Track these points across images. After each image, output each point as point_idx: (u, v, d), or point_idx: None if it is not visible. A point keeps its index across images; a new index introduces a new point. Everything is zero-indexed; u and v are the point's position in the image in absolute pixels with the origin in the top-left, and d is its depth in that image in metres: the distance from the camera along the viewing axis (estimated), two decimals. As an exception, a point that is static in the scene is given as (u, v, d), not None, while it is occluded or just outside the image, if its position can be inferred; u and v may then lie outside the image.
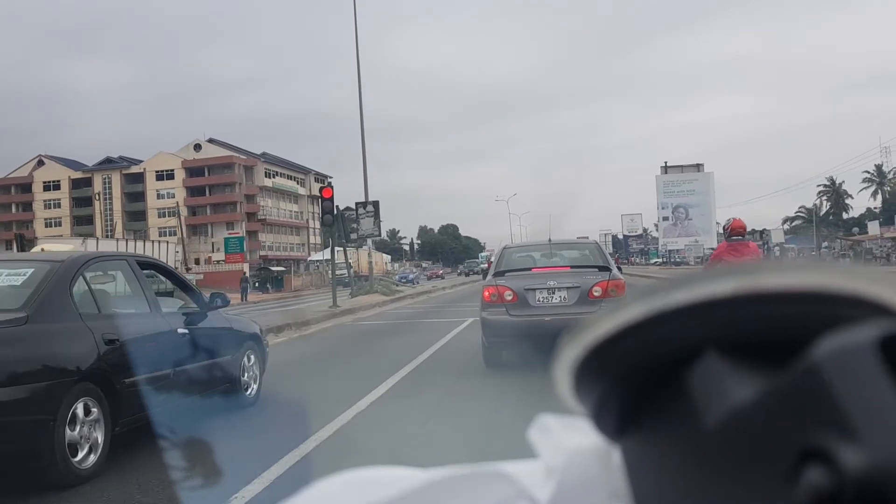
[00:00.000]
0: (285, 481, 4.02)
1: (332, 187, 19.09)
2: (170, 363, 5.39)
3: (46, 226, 78.30)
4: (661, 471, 0.35)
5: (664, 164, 59.16)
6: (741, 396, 0.29)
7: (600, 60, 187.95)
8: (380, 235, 26.46)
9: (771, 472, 0.27)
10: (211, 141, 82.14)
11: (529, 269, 8.52)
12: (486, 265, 75.23)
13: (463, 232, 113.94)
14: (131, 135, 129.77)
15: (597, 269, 8.26)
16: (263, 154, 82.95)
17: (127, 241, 27.29)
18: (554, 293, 7.93)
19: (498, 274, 8.40)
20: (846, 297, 0.29)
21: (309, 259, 73.92)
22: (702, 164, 58.79)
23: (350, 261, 55.20)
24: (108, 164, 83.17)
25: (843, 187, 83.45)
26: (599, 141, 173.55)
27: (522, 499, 0.38)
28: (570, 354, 0.38)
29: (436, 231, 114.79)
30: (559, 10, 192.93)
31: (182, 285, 6.51)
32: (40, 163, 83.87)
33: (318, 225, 73.24)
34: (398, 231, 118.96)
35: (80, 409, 4.40)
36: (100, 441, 4.50)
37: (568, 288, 7.88)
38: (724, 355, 0.32)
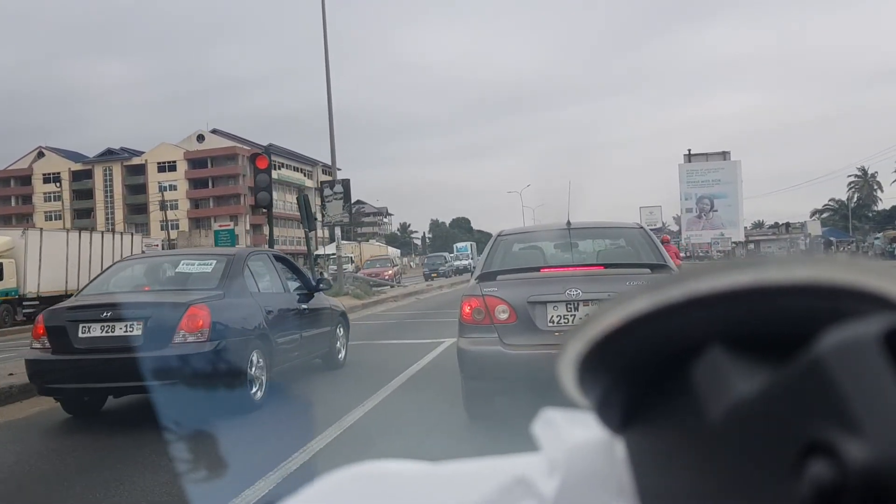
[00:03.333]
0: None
1: (268, 156, 14.57)
2: (298, 330, 7.22)
3: (46, 219, 76.02)
4: (665, 464, 0.35)
5: (688, 152, 55.57)
6: (745, 390, 0.29)
7: (611, 56, 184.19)
8: (350, 222, 22.40)
9: (775, 465, 0.26)
10: (214, 131, 79.66)
11: (537, 269, 5.39)
12: (469, 262, 47.63)
13: (475, 226, 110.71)
14: (140, 133, 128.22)
15: (649, 270, 5.07)
16: (269, 145, 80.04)
17: (80, 232, 24.20)
18: (578, 309, 4.86)
19: (486, 277, 5.27)
20: (850, 290, 0.29)
21: (315, 253, 71.01)
22: (728, 152, 55.10)
23: (352, 255, 52.35)
24: (108, 155, 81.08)
25: (876, 178, 79.41)
26: (611, 135, 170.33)
27: (528, 493, 0.37)
28: (574, 348, 0.37)
29: (448, 225, 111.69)
30: (569, 6, 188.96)
31: (296, 271, 8.04)
32: (40, 154, 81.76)
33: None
34: (409, 225, 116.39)
35: (254, 358, 6.09)
36: (264, 381, 6.20)
37: (602, 301, 4.66)
38: (728, 349, 0.32)
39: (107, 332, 5.58)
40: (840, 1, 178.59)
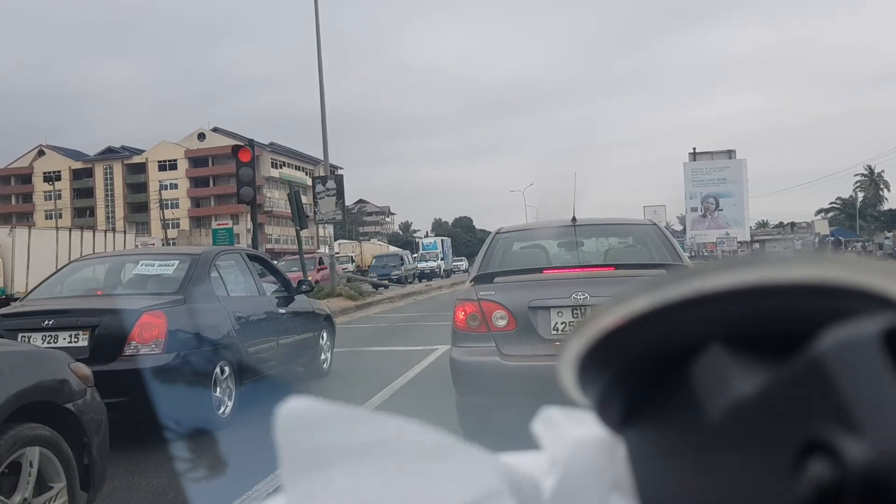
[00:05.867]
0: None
1: (251, 148, 13.38)
2: (274, 337, 6.64)
3: (47, 217, 75.60)
4: (664, 462, 0.35)
5: (692, 151, 54.88)
6: (745, 389, 0.29)
7: (612, 56, 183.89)
8: (342, 219, 21.60)
9: (774, 464, 0.26)
10: (215, 130, 79.15)
11: (539, 270, 4.83)
12: (439, 263, 40.85)
13: (478, 225, 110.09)
14: (143, 133, 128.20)
15: (664, 271, 4.47)
16: (271, 144, 79.62)
17: (70, 230, 23.76)
18: (584, 315, 4.18)
19: (482, 279, 4.71)
20: (850, 289, 0.29)
21: (318, 252, 70.35)
22: (733, 151, 54.35)
23: (353, 254, 51.05)
24: (109, 153, 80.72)
25: (883, 177, 78.76)
26: (614, 135, 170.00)
27: (528, 490, 0.37)
28: (573, 346, 0.37)
29: (450, 224, 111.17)
30: (571, 8, 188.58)
31: (275, 273, 7.58)
32: (41, 153, 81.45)
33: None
34: (411, 224, 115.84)
35: (220, 370, 5.53)
36: (233, 396, 5.65)
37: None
38: (727, 348, 0.32)
39: (49, 342, 5.00)
40: (842, 1, 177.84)
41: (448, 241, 57.52)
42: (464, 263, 57.51)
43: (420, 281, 35.34)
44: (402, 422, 0.35)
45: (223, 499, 3.82)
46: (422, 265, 41.95)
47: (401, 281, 32.19)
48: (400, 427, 0.35)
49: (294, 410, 0.34)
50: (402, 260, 37.64)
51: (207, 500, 3.96)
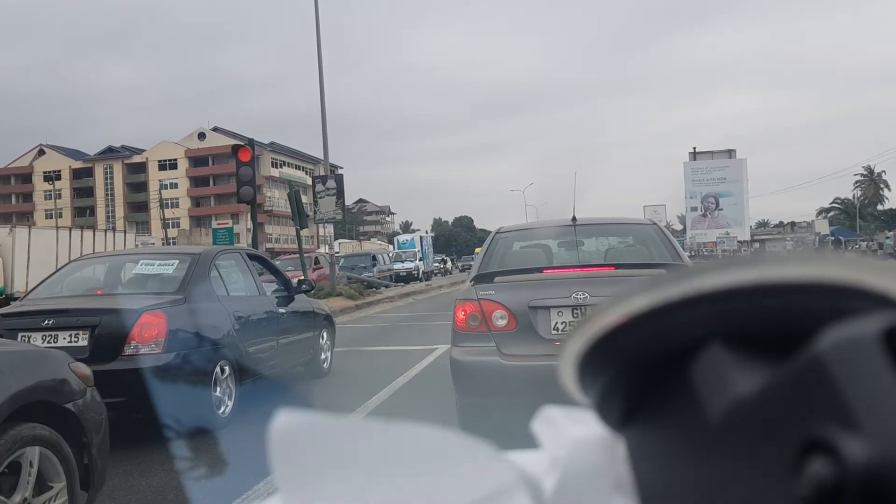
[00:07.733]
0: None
1: (251, 148, 13.24)
2: (274, 336, 6.61)
3: (47, 217, 75.61)
4: (664, 461, 0.35)
5: (693, 150, 54.81)
6: (745, 388, 0.29)
7: (613, 58, 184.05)
8: (342, 218, 21.44)
9: (774, 463, 0.26)
10: (216, 129, 79.11)
11: (539, 269, 4.82)
12: (417, 264, 37.95)
13: (478, 225, 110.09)
14: (144, 134, 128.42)
15: (664, 271, 4.46)
16: (271, 143, 79.59)
17: (70, 230, 23.75)
18: (585, 314, 4.18)
19: (482, 279, 4.71)
20: (850, 288, 0.29)
21: (316, 252, 70.16)
22: (734, 150, 54.27)
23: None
24: (109, 153, 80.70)
25: (883, 177, 78.79)
26: (615, 135, 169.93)
27: (528, 490, 0.36)
28: (573, 345, 0.38)
29: (450, 224, 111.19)
30: (571, 10, 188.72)
31: (275, 272, 7.51)
32: (41, 152, 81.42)
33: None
34: (412, 223, 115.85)
35: (220, 370, 5.51)
36: (232, 395, 5.63)
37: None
38: (728, 347, 0.32)
39: (49, 342, 4.96)
40: (842, 1, 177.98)
41: (429, 238, 52.19)
42: (446, 264, 53.69)
43: (396, 284, 30.23)
44: (398, 427, 0.34)
45: (223, 498, 3.81)
46: (397, 266, 35.31)
47: (372, 285, 26.03)
48: (397, 433, 0.34)
49: (287, 424, 0.33)
50: (374, 260, 31.34)
51: (207, 499, 3.98)
